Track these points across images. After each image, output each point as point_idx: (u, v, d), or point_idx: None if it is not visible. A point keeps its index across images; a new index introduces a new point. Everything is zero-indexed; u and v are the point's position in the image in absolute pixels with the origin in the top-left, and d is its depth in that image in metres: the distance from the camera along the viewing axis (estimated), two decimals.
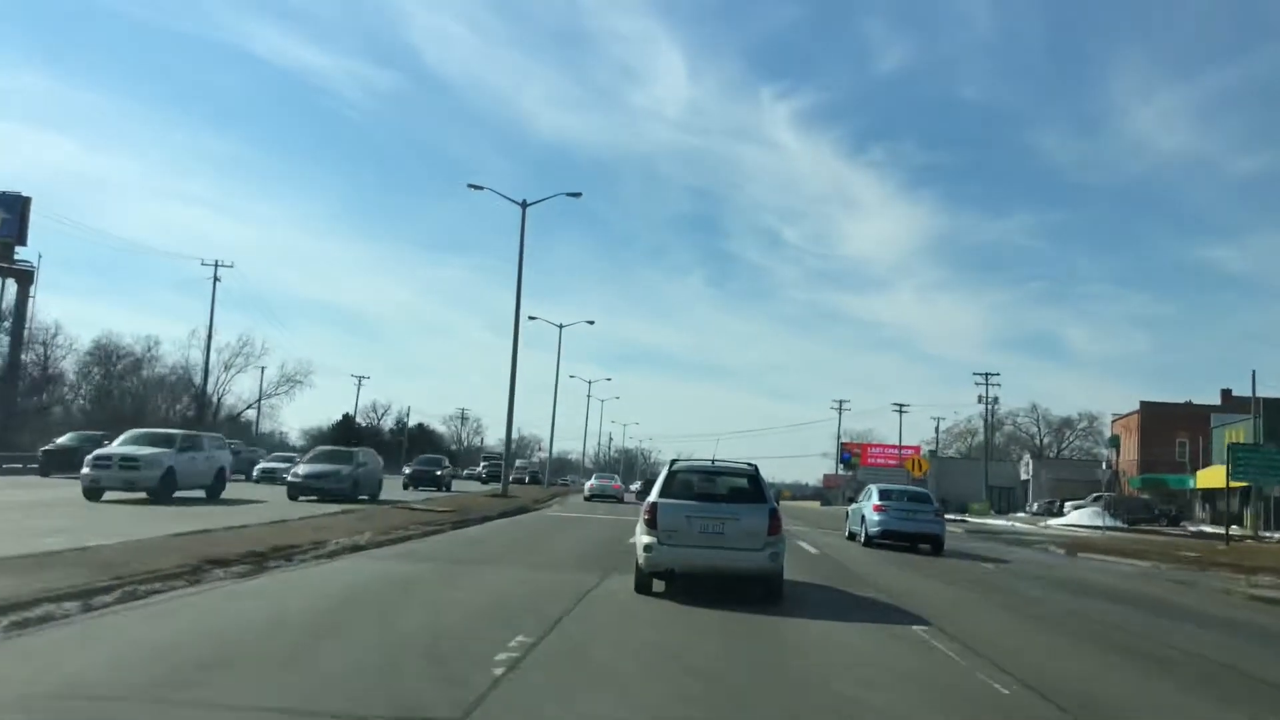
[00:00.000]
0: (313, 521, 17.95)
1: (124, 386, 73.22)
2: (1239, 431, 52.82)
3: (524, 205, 38.72)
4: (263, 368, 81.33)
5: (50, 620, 7.31)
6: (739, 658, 7.92)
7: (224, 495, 25.06)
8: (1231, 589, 17.82)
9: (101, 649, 6.68)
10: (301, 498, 26.65)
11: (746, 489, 11.70)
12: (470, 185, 39.03)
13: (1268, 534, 45.28)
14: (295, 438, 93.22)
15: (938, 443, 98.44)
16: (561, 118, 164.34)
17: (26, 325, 57.92)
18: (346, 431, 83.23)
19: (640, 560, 11.14)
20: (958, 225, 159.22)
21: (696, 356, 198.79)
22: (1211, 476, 57.43)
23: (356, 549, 14.53)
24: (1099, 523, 48.09)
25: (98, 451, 23.12)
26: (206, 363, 68.98)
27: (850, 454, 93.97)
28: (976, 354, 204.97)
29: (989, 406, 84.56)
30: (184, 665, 6.17)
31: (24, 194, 52.91)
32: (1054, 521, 54.76)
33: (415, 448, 78.94)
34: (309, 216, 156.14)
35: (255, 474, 38.62)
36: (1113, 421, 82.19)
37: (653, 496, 11.41)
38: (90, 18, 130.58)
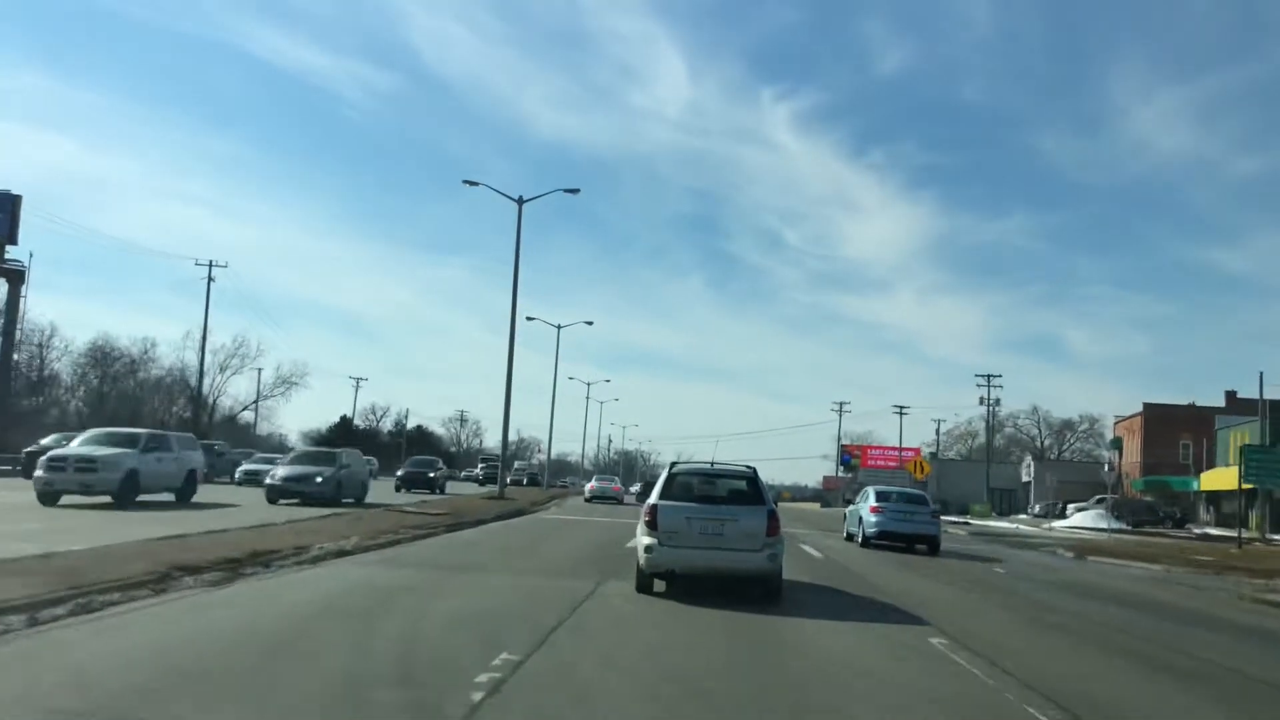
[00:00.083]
0: (297, 525, 17.28)
1: (120, 388, 72.63)
2: (1244, 433, 52.24)
3: (520, 201, 38.20)
4: (259, 369, 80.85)
5: None
6: (742, 678, 7.25)
7: (196, 499, 23.66)
8: (1260, 596, 17.05)
9: (28, 671, 5.97)
10: (281, 501, 25.36)
11: (745, 491, 11.76)
12: (466, 181, 38.30)
13: (1275, 536, 44.70)
14: (294, 440, 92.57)
15: (938, 445, 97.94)
16: (562, 118, 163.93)
17: (18, 325, 57.48)
18: (344, 433, 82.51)
19: (641, 561, 11.19)
20: (958, 226, 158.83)
21: (696, 358, 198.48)
22: (1216, 479, 56.89)
23: (342, 554, 13.90)
24: (1103, 525, 47.54)
25: (53, 452, 21.65)
26: (201, 364, 68.36)
27: (850, 456, 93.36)
28: (977, 356, 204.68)
29: (990, 408, 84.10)
30: (122, 690, 5.50)
31: (15, 193, 52.39)
32: (1057, 524, 54.18)
33: (414, 449, 78.20)
34: (309, 217, 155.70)
35: (238, 476, 37.04)
36: (1115, 423, 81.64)
37: (653, 499, 11.48)
38: (90, 18, 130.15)
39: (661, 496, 11.38)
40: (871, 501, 24.06)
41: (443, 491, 41.25)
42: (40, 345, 66.25)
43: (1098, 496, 62.05)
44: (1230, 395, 70.06)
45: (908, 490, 26.89)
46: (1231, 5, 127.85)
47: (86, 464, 20.43)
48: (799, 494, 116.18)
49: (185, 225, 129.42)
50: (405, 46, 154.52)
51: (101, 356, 71.56)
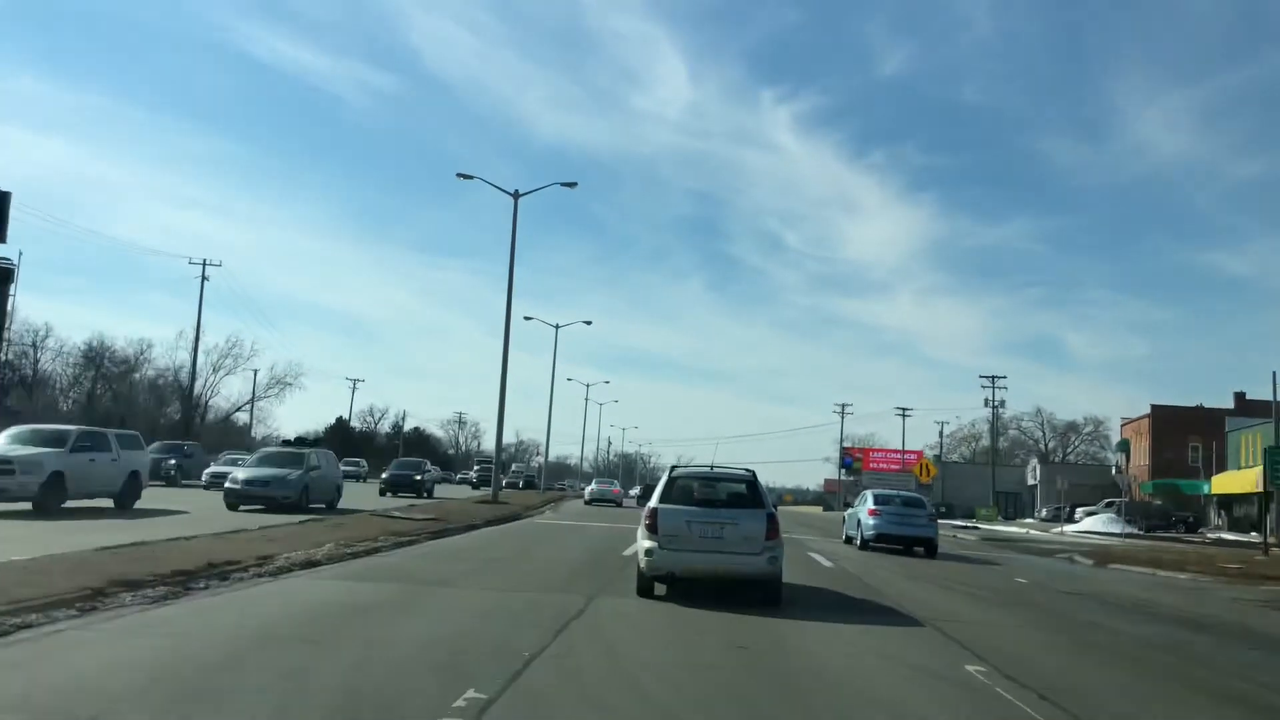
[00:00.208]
0: (269, 532, 16.07)
1: (115, 390, 71.45)
2: (1257, 435, 51.06)
3: (516, 195, 37.07)
4: (254, 370, 79.65)
5: None
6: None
7: (141, 505, 21.10)
8: None
9: None
10: (242, 507, 23.01)
11: (745, 494, 11.76)
12: (460, 175, 37.16)
13: None
14: None
15: (942, 447, 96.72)
16: (562, 120, 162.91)
17: (7, 325, 56.34)
18: (341, 435, 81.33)
19: (642, 565, 11.18)
20: (958, 229, 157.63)
21: (697, 360, 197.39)
22: (1228, 481, 55.66)
23: (310, 564, 12.71)
24: (1115, 529, 46.37)
25: None
26: (194, 364, 67.12)
27: (852, 458, 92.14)
28: (978, 358, 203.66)
29: (995, 410, 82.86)
30: None
31: (3, 189, 51.30)
32: (1069, 528, 52.91)
33: (412, 452, 76.98)
34: (308, 218, 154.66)
35: (204, 478, 33.77)
36: (1122, 425, 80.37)
37: (653, 502, 11.49)
38: (89, 19, 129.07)
39: (662, 500, 11.37)
40: (870, 504, 24.19)
41: (431, 495, 39.75)
42: (34, 345, 65.14)
43: (1107, 500, 60.83)
44: (1239, 397, 68.87)
45: (906, 493, 26.90)
46: (1232, 7, 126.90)
47: (2, 465, 17.95)
48: (801, 497, 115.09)
49: (185, 227, 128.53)
50: (405, 48, 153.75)
51: (96, 357, 70.43)
